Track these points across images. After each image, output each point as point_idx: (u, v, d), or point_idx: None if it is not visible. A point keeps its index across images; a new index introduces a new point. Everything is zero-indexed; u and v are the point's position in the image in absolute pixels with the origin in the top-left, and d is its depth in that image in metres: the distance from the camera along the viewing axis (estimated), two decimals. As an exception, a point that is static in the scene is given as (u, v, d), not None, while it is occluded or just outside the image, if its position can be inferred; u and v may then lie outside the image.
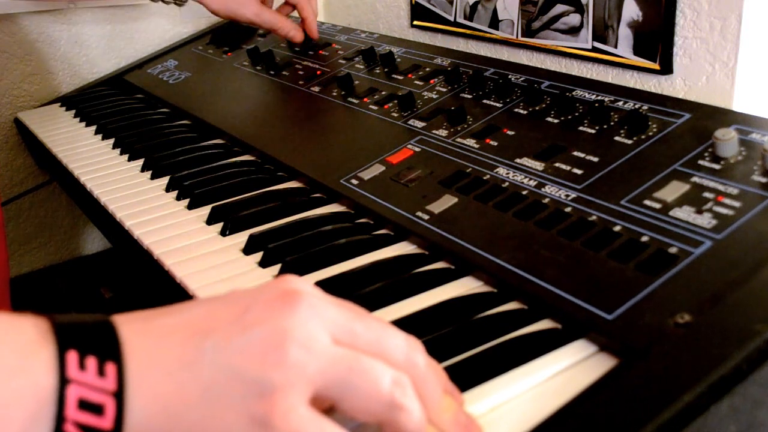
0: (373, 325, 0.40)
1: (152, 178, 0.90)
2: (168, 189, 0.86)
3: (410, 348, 0.40)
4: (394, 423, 0.38)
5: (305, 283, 0.40)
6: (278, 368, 0.36)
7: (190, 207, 0.80)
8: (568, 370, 0.48)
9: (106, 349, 0.35)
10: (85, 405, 0.34)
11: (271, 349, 0.36)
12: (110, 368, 0.34)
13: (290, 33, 1.16)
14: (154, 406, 0.35)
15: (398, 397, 0.37)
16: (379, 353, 0.39)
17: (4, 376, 0.33)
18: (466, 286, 0.60)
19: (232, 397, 0.35)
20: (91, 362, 0.34)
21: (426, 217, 0.67)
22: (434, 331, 0.52)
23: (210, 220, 0.76)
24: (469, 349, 0.50)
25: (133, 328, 0.37)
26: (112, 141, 1.04)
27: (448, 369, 0.47)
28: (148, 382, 0.35)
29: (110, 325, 0.36)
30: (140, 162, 0.94)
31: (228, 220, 0.74)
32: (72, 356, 0.34)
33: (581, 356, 0.49)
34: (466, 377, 0.47)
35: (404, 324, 0.54)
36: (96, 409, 0.34)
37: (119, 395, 0.34)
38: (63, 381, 0.34)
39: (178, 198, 0.83)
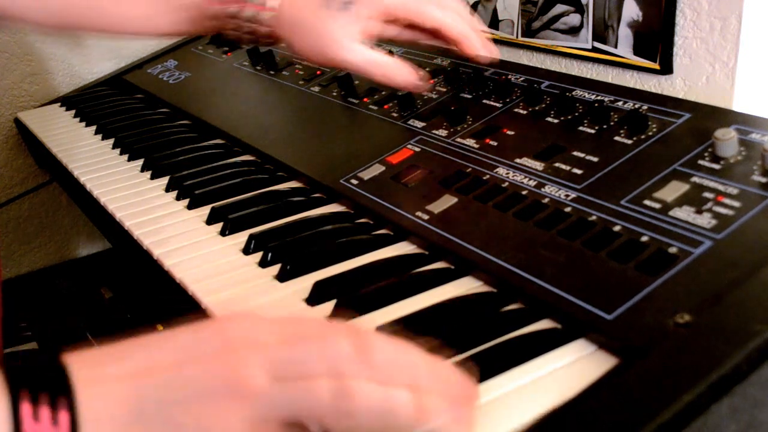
0: (305, 348, 0.40)
1: (152, 178, 0.90)
2: (168, 189, 0.86)
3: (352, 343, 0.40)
4: (366, 424, 0.39)
5: (242, 325, 0.41)
6: (216, 424, 0.37)
7: (190, 207, 0.80)
8: (567, 370, 0.48)
9: (59, 398, 0.36)
10: None
11: (207, 403, 0.38)
12: (63, 417, 0.36)
13: (406, 78, 0.80)
14: None
15: (343, 406, 0.38)
16: (315, 373, 0.39)
17: None
18: (466, 286, 0.60)
19: None
20: (44, 413, 0.35)
21: (426, 217, 0.67)
22: (434, 331, 0.52)
23: (210, 220, 0.76)
24: (469, 348, 0.50)
25: (84, 375, 0.37)
26: (112, 141, 1.04)
27: (448, 369, 0.47)
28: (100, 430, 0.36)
29: (65, 370, 0.37)
30: (140, 162, 0.95)
31: (228, 220, 0.74)
32: (25, 408, 0.35)
33: (581, 356, 0.49)
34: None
35: (404, 324, 0.54)
36: None
37: None
38: None
39: (178, 198, 0.83)
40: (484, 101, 0.83)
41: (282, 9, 0.79)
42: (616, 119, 0.72)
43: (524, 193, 0.65)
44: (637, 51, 0.90)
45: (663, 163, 0.63)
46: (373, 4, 0.78)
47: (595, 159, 0.67)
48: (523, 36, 1.05)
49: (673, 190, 0.60)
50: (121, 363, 0.39)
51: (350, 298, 0.58)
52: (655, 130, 0.68)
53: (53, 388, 0.36)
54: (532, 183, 0.67)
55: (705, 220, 0.55)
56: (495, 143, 0.75)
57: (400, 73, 0.80)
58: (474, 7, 1.13)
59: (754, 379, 0.43)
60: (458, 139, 0.77)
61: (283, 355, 0.40)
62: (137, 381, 0.38)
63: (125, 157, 0.98)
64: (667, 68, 0.87)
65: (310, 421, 0.39)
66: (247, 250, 0.69)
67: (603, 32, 0.93)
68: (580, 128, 0.72)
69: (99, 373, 0.38)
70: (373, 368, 0.40)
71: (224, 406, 0.38)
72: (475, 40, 0.81)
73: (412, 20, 0.80)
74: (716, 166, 0.61)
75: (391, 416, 0.39)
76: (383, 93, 0.93)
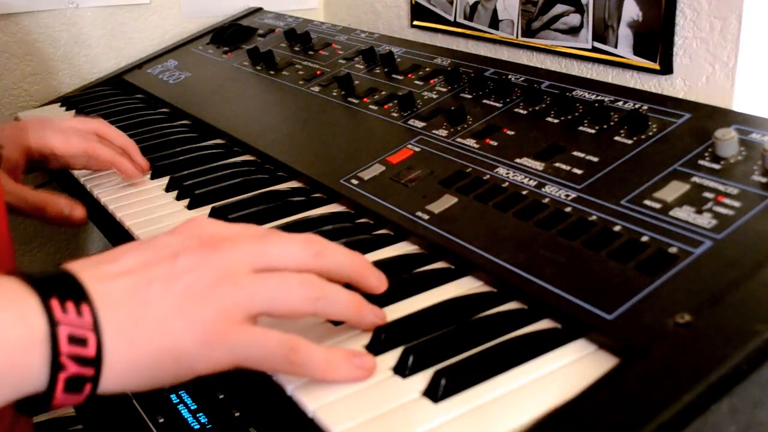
0: (274, 241, 0.49)
1: (152, 178, 0.90)
2: (168, 189, 0.86)
3: (306, 247, 0.49)
4: (322, 312, 0.49)
5: (212, 224, 0.50)
6: (213, 304, 0.44)
7: (190, 207, 0.80)
8: (567, 370, 0.48)
9: (77, 294, 0.42)
10: (73, 339, 0.41)
11: (206, 289, 0.45)
12: (85, 308, 0.42)
13: (66, 210, 0.85)
14: (122, 335, 0.43)
15: (310, 295, 0.47)
16: (286, 265, 0.48)
17: (6, 324, 0.40)
18: (466, 286, 0.60)
19: (182, 328, 0.44)
20: (70, 306, 0.42)
21: (426, 217, 0.67)
22: (434, 331, 0.52)
23: (210, 220, 0.76)
24: (469, 349, 0.50)
25: (89, 275, 0.44)
26: (112, 141, 1.04)
27: (447, 369, 0.47)
28: (115, 317, 0.43)
29: (71, 274, 0.44)
30: (140, 162, 0.94)
31: (228, 221, 0.74)
32: (54, 303, 0.41)
33: (581, 356, 0.49)
34: (466, 377, 0.47)
35: (404, 324, 0.54)
36: (81, 341, 0.41)
37: (96, 328, 0.42)
38: (53, 323, 0.41)
39: (178, 198, 0.83)
40: (484, 101, 0.83)
41: None
42: (616, 119, 0.72)
43: (524, 193, 0.65)
44: (637, 51, 0.90)
45: (663, 163, 0.63)
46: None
47: (595, 159, 0.67)
48: (523, 36, 1.05)
49: (673, 190, 0.60)
50: (118, 262, 0.46)
51: (350, 298, 0.58)
52: (655, 130, 0.68)
53: (70, 288, 0.43)
54: (533, 183, 0.67)
55: (705, 220, 0.55)
56: (495, 143, 0.75)
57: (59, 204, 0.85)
58: (474, 7, 1.13)
59: (754, 379, 0.43)
60: (458, 139, 0.77)
61: (256, 248, 0.48)
62: (139, 274, 0.45)
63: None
64: (667, 68, 0.87)
65: (279, 310, 0.46)
66: (247, 250, 0.69)
67: (603, 32, 0.93)
68: (580, 128, 0.72)
69: (101, 272, 0.45)
70: (323, 261, 0.50)
71: (219, 288, 0.45)
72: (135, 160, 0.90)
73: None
74: (716, 166, 0.61)
75: (340, 305, 0.49)
76: (383, 93, 0.93)
